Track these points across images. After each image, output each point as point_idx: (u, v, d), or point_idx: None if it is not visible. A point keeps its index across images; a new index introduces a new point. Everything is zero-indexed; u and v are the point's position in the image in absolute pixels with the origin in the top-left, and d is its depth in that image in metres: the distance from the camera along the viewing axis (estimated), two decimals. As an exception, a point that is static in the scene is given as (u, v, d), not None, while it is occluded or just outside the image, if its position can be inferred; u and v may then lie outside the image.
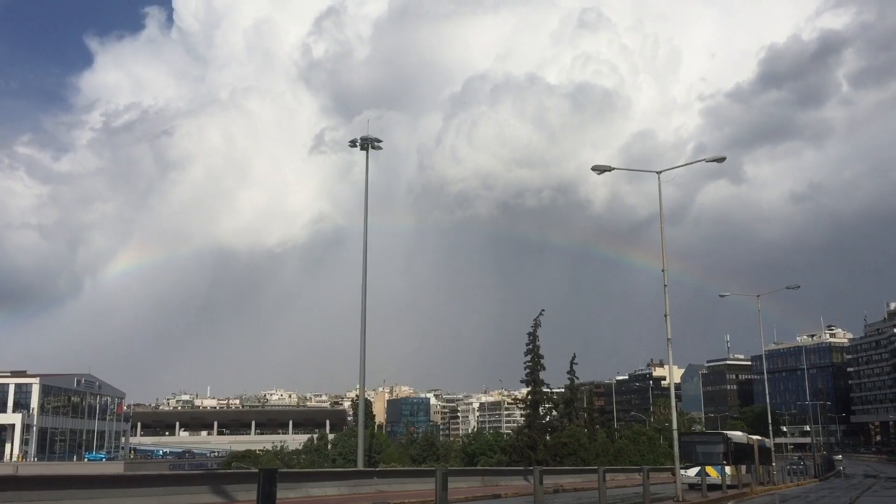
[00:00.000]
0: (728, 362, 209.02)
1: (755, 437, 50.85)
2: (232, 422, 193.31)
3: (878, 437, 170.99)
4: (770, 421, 69.24)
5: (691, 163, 37.54)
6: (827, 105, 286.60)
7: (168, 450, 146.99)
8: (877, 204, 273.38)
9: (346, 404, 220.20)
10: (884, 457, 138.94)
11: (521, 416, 79.49)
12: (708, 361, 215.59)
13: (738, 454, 41.07)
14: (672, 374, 33.19)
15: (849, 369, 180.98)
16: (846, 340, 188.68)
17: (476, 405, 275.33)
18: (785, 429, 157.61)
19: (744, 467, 41.40)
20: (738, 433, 46.56)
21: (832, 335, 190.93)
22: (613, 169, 32.55)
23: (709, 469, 34.02)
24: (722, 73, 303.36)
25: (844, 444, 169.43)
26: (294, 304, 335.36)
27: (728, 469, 36.66)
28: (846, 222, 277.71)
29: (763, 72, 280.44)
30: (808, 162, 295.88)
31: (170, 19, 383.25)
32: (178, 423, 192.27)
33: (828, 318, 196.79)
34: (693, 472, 34.70)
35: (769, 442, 50.44)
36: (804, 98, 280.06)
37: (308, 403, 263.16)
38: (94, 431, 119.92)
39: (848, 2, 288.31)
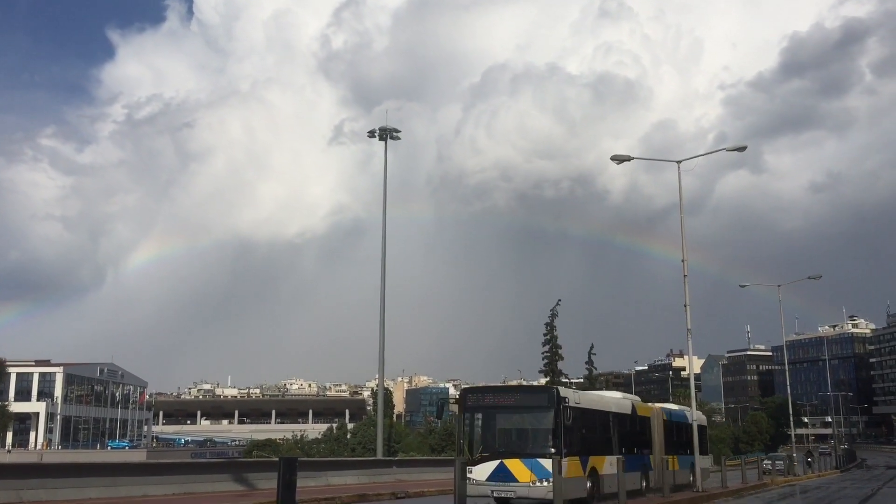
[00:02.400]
0: (748, 353, 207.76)
1: (667, 406, 33.94)
2: (252, 411, 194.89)
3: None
4: (791, 412, 68.80)
5: (712, 152, 37.29)
6: (849, 94, 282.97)
7: (190, 438, 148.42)
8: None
9: (366, 394, 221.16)
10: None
11: (540, 406, 79.18)
12: (728, 352, 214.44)
13: (604, 434, 23.70)
14: (692, 365, 33.04)
15: (871, 360, 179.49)
16: (868, 331, 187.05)
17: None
18: (806, 420, 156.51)
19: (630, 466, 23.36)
20: (614, 394, 28.84)
21: (854, 325, 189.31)
22: (633, 158, 32.39)
23: (510, 463, 19.97)
24: (744, 63, 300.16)
25: (866, 435, 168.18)
26: (313, 294, 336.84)
27: (567, 464, 19.89)
28: (867, 213, 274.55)
29: (785, 61, 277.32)
30: (830, 152, 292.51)
31: (190, 11, 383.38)
32: (199, 412, 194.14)
33: (850, 308, 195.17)
34: (484, 469, 20.19)
35: (696, 416, 31.25)
36: (826, 87, 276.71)
37: (328, 393, 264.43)
38: (116, 420, 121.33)
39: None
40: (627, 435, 25.32)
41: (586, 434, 22.15)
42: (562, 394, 20.95)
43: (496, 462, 20.17)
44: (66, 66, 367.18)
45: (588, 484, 21.45)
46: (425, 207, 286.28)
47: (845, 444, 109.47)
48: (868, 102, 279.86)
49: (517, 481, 19.85)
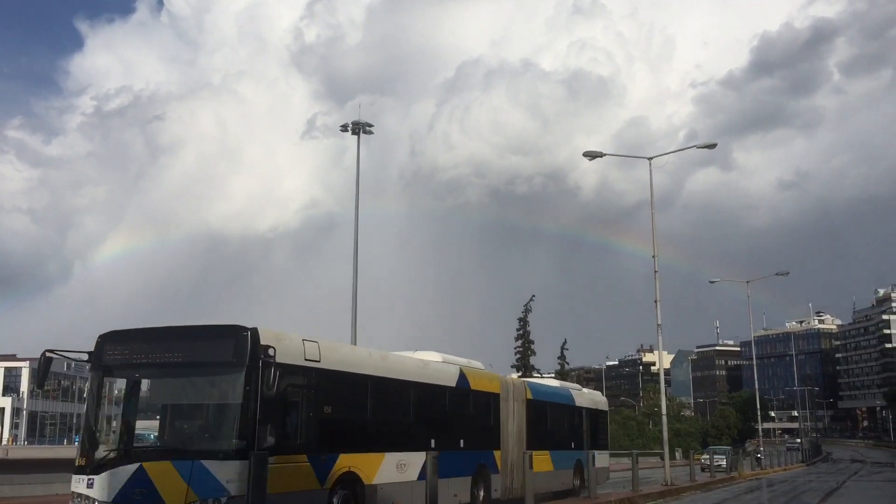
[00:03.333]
0: (717, 348, 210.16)
1: (535, 381, 27.89)
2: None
3: (866, 423, 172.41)
4: (758, 406, 69.72)
5: (682, 149, 37.64)
6: (818, 93, 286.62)
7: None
8: (865, 192, 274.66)
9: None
10: (871, 442, 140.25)
11: (512, 400, 79.60)
12: (697, 347, 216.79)
13: (383, 416, 15.32)
14: (662, 360, 33.38)
15: (837, 355, 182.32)
16: (835, 327, 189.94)
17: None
18: (773, 414, 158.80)
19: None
20: (428, 357, 18.37)
21: (821, 321, 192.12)
22: (605, 155, 32.62)
23: (155, 470, 11.56)
24: (715, 61, 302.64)
25: (832, 429, 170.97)
26: (285, 289, 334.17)
27: (281, 469, 11.72)
28: (834, 210, 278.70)
29: (755, 59, 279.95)
30: (798, 150, 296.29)
31: (160, 3, 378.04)
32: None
33: (817, 304, 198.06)
34: (106, 481, 11.69)
35: (590, 398, 27.53)
36: (796, 86, 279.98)
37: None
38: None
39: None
40: (447, 420, 17.35)
41: (337, 416, 13.62)
42: (262, 339, 11.77)
43: (131, 468, 11.58)
44: (34, 56, 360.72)
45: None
46: (398, 203, 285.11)
47: (814, 435, 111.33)
48: (836, 102, 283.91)
49: None
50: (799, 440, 76.64)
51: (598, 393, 29.76)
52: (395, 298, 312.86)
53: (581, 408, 25.82)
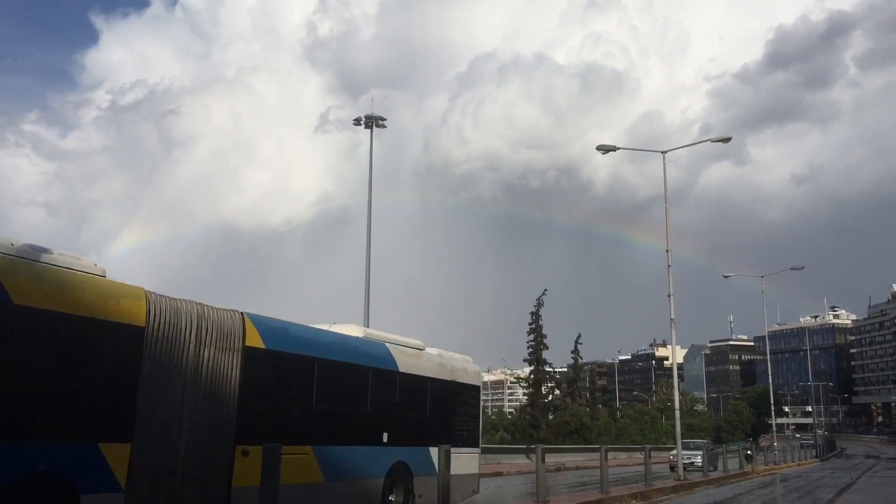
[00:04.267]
0: (731, 343, 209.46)
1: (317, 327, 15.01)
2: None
3: (880, 418, 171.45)
4: (772, 401, 69.44)
5: (697, 143, 37.47)
6: (834, 87, 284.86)
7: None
8: (880, 187, 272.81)
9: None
10: (885, 438, 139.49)
11: (524, 394, 80.00)
12: (711, 342, 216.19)
13: None
14: (675, 355, 33.23)
15: (851, 350, 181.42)
16: (849, 322, 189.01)
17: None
18: (787, 409, 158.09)
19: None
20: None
21: (835, 316, 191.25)
22: (618, 149, 32.45)
23: None
24: (730, 55, 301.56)
25: (846, 424, 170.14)
26: (298, 283, 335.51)
27: None
28: (849, 205, 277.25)
29: (770, 53, 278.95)
30: (813, 144, 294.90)
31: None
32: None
33: (831, 299, 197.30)
34: None
35: (412, 356, 16.69)
36: (811, 80, 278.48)
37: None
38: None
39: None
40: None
41: None
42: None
43: None
44: (50, 51, 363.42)
45: None
46: (411, 197, 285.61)
47: (825, 433, 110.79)
48: (852, 95, 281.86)
49: None
50: (812, 437, 75.94)
51: (461, 356, 19.16)
52: (408, 291, 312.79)
53: (410, 376, 16.16)
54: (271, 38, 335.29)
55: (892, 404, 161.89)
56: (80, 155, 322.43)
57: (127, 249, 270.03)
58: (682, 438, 31.75)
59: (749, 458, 45.71)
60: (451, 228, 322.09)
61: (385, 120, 43.81)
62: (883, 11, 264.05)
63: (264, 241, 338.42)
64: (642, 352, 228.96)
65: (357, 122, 43.91)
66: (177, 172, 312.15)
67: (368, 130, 43.33)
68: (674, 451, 34.85)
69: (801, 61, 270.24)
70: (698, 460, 36.58)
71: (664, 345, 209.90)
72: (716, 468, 37.93)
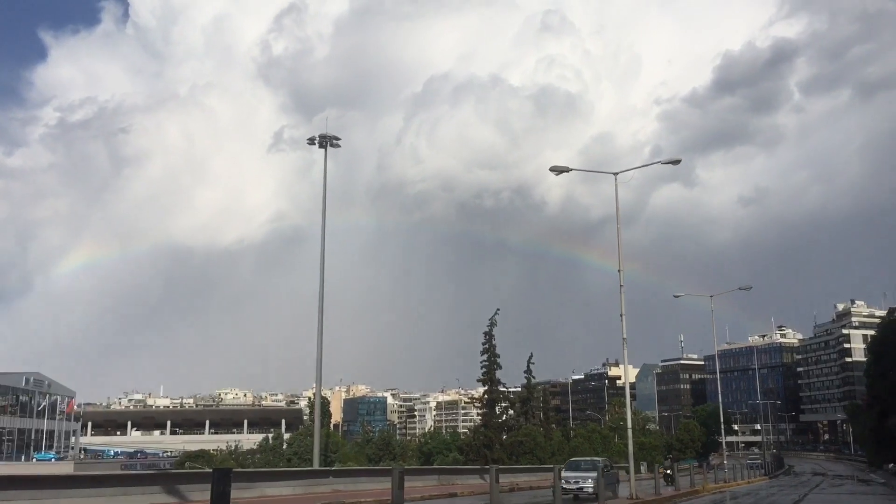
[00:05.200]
0: (682, 362, 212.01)
1: None
2: (186, 421, 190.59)
3: (826, 436, 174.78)
4: (721, 420, 70.44)
5: (647, 164, 38.09)
6: (779, 112, 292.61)
7: (120, 450, 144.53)
8: (823, 209, 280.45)
9: (303, 403, 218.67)
10: (831, 455, 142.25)
11: (478, 415, 79.83)
12: (662, 361, 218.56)
13: None
14: (627, 374, 33.57)
15: (798, 369, 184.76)
16: (796, 341, 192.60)
17: (433, 404, 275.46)
18: (737, 427, 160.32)
19: None
20: None
21: (783, 336, 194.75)
22: (571, 170, 32.80)
23: None
24: (679, 79, 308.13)
25: (794, 442, 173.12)
26: (250, 302, 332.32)
27: None
28: (794, 226, 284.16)
29: (718, 78, 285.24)
30: (759, 167, 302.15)
31: (126, 14, 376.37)
32: (129, 423, 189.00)
33: (778, 318, 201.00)
34: None
35: None
36: (757, 104, 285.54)
37: (263, 403, 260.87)
38: (42, 431, 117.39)
39: (801, 11, 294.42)
40: None
41: None
42: None
43: None
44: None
45: None
46: (365, 216, 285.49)
47: (774, 450, 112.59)
48: (796, 120, 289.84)
49: None
50: (759, 455, 76.76)
51: None
52: (364, 311, 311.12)
53: None
54: (225, 56, 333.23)
55: (838, 422, 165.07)
56: (27, 172, 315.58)
57: (75, 268, 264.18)
58: (575, 457, 31.54)
59: (670, 480, 41.09)
60: (405, 248, 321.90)
61: (339, 139, 43.73)
62: (825, 39, 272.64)
63: (216, 261, 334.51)
64: (595, 371, 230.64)
65: (311, 141, 43.75)
66: (127, 191, 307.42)
67: (323, 150, 43.20)
68: (567, 473, 29.76)
69: (747, 86, 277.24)
70: (589, 485, 28.45)
71: (616, 364, 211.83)
72: (615, 494, 30.58)
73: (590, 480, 28.64)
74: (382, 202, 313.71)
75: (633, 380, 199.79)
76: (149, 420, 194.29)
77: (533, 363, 79.88)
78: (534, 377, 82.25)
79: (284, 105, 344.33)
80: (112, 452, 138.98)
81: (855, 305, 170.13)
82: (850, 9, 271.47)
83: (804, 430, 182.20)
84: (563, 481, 27.25)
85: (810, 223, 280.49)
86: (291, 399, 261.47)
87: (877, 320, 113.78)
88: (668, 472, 44.10)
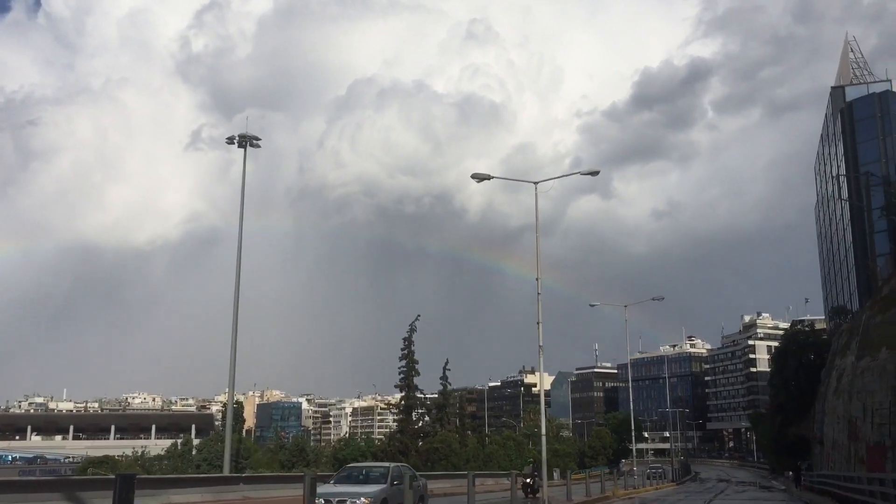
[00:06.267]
0: (596, 370, 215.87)
1: None
2: (90, 426, 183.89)
3: (731, 443, 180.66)
4: (633, 427, 72.03)
5: (567, 175, 38.75)
6: (694, 128, 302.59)
7: (17, 455, 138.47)
8: (733, 223, 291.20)
9: (215, 408, 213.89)
10: (736, 462, 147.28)
11: (394, 421, 79.62)
12: (577, 369, 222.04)
13: None
14: (542, 381, 33.99)
15: (706, 378, 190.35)
16: (704, 351, 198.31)
17: (349, 410, 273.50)
18: (647, 434, 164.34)
19: None
20: None
21: (692, 345, 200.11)
22: (493, 178, 33.13)
23: None
24: (600, 93, 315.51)
25: (700, 449, 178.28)
26: (162, 304, 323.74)
27: None
28: (704, 240, 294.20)
29: (636, 93, 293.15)
30: (673, 181, 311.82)
31: (37, 3, 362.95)
32: (29, 427, 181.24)
33: (688, 329, 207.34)
34: None
35: None
36: (673, 120, 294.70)
37: (173, 407, 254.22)
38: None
39: (716, 32, 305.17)
40: None
41: None
42: None
43: None
44: None
45: None
46: (284, 219, 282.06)
47: (682, 457, 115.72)
48: (709, 137, 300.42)
49: None
50: (660, 465, 78.55)
51: None
52: (281, 316, 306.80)
53: None
54: (142, 50, 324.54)
55: (742, 430, 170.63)
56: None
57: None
58: (353, 464, 27.67)
59: (530, 492, 34.16)
60: (324, 252, 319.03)
61: (259, 140, 43.03)
62: (738, 60, 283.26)
63: (127, 261, 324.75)
64: (511, 378, 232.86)
65: (230, 140, 42.91)
66: (34, 186, 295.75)
67: (242, 150, 42.44)
68: (345, 489, 21.49)
69: (664, 102, 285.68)
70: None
71: (532, 371, 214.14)
72: None
73: (363, 499, 20.42)
74: (302, 205, 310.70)
75: (548, 387, 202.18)
76: (51, 424, 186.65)
77: (449, 369, 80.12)
78: (450, 384, 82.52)
79: (203, 103, 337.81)
80: (9, 457, 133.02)
81: (760, 318, 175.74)
82: (762, 32, 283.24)
83: (711, 438, 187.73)
84: (319, 500, 19.48)
85: (720, 237, 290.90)
86: (203, 404, 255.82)
87: (780, 332, 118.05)
88: (528, 480, 34.73)
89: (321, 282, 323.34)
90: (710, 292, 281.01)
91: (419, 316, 69.63)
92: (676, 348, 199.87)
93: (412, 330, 69.04)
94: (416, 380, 69.73)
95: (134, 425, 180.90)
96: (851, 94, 65.48)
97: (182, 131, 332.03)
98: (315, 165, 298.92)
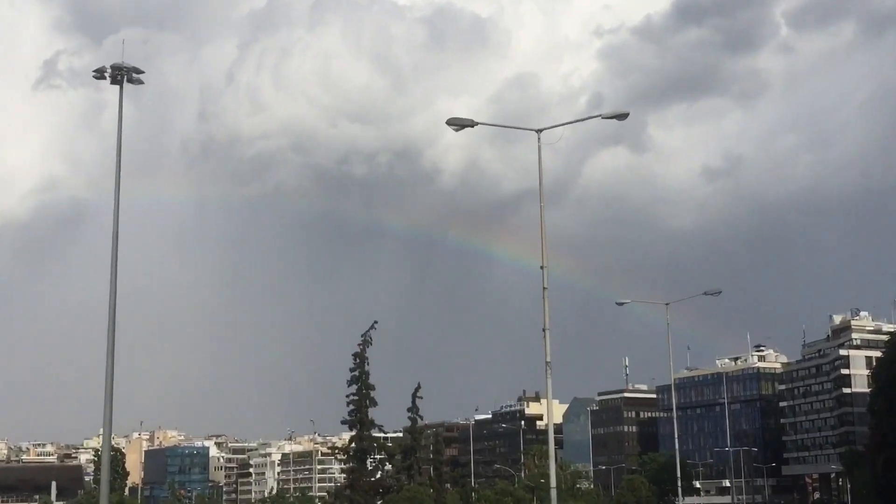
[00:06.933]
0: (626, 395, 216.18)
1: None
2: None
3: (817, 494, 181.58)
4: (679, 475, 72.10)
5: (583, 119, 38.74)
6: (761, 52, 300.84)
7: None
8: (816, 185, 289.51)
9: (84, 458, 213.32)
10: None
11: (342, 471, 79.87)
12: (600, 394, 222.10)
13: None
14: (551, 412, 34.19)
15: (781, 404, 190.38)
16: (779, 365, 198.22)
17: (277, 457, 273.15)
18: (698, 484, 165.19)
19: None
20: None
21: (761, 358, 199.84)
22: (477, 124, 33.00)
23: None
24: (628, 2, 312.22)
25: (775, 502, 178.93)
26: (4, 312, 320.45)
27: None
28: (776, 209, 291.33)
29: (681, 3, 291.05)
30: (733, 127, 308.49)
31: None
32: None
33: (756, 335, 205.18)
34: None
35: None
36: (733, 40, 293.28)
37: (25, 458, 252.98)
38: None
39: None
40: None
41: None
42: None
43: None
44: None
45: None
46: (180, 187, 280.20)
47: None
48: (783, 64, 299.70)
49: None
50: None
51: None
52: (175, 325, 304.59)
53: None
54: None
55: (832, 475, 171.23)
56: None
57: None
58: None
59: None
60: (238, 234, 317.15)
61: (143, 73, 42.68)
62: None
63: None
64: (507, 408, 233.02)
65: (100, 73, 42.50)
66: None
67: (118, 87, 42.09)
68: None
69: (719, 15, 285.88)
70: None
71: (537, 398, 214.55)
72: None
73: None
74: (206, 167, 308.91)
75: (559, 420, 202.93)
76: None
77: (420, 397, 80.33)
78: (421, 417, 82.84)
79: (60, 22, 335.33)
80: None
81: (857, 317, 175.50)
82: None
83: (788, 487, 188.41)
84: None
85: (800, 205, 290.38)
86: (68, 452, 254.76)
87: (884, 337, 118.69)
88: None
89: (234, 278, 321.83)
90: (786, 283, 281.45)
91: (376, 323, 69.79)
92: (739, 362, 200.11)
93: (366, 343, 69.12)
94: (372, 412, 69.93)
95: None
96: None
97: (29, 62, 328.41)
98: (223, 109, 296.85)
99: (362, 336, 69.62)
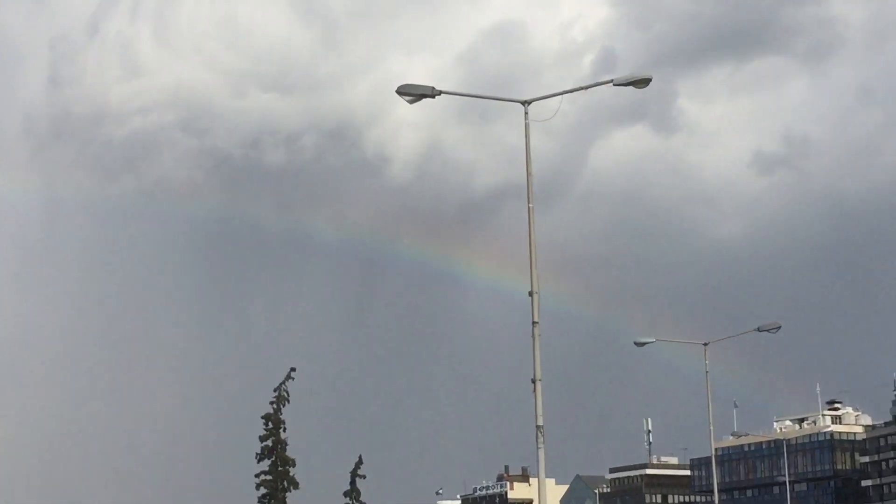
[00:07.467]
0: (648, 471, 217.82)
1: None
2: None
3: None
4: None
5: (588, 87, 38.84)
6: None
7: None
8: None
9: None
10: None
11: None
12: (612, 471, 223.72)
13: None
14: (544, 495, 34.24)
15: (864, 483, 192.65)
16: (860, 429, 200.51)
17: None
18: None
19: None
20: None
21: (836, 419, 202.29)
22: (441, 93, 33.13)
23: None
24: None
25: None
26: None
27: None
28: (857, 212, 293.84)
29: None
30: (796, 98, 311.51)
31: None
32: None
33: (829, 387, 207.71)
34: None
35: None
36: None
37: None
38: None
39: None
40: None
41: None
42: None
43: None
44: None
45: None
46: (23, 179, 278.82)
47: None
48: (864, 13, 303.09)
49: None
50: None
51: None
52: (21, 361, 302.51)
53: None
54: None
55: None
56: None
57: None
58: None
59: None
60: (100, 247, 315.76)
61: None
62: None
63: None
64: (483, 491, 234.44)
65: None
66: None
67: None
68: None
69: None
70: None
71: (525, 477, 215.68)
72: None
73: None
74: (58, 153, 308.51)
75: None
76: None
77: (362, 475, 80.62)
78: (363, 503, 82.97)
79: None
80: None
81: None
82: None
83: None
84: None
85: (888, 206, 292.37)
86: None
87: None
88: None
89: (95, 307, 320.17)
90: (870, 315, 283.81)
91: (293, 371, 69.94)
92: (806, 425, 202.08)
93: (281, 399, 69.23)
94: (292, 498, 69.92)
95: None
96: None
97: None
98: (82, 72, 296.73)
99: (275, 391, 69.65)
